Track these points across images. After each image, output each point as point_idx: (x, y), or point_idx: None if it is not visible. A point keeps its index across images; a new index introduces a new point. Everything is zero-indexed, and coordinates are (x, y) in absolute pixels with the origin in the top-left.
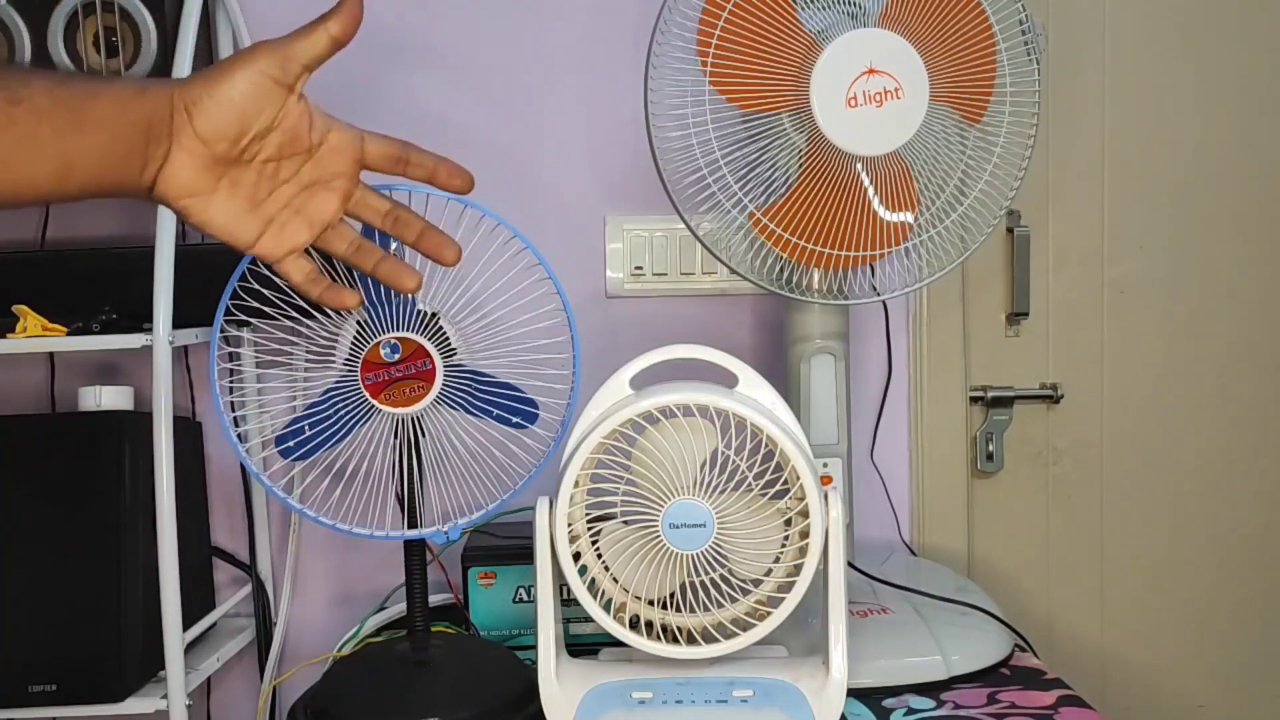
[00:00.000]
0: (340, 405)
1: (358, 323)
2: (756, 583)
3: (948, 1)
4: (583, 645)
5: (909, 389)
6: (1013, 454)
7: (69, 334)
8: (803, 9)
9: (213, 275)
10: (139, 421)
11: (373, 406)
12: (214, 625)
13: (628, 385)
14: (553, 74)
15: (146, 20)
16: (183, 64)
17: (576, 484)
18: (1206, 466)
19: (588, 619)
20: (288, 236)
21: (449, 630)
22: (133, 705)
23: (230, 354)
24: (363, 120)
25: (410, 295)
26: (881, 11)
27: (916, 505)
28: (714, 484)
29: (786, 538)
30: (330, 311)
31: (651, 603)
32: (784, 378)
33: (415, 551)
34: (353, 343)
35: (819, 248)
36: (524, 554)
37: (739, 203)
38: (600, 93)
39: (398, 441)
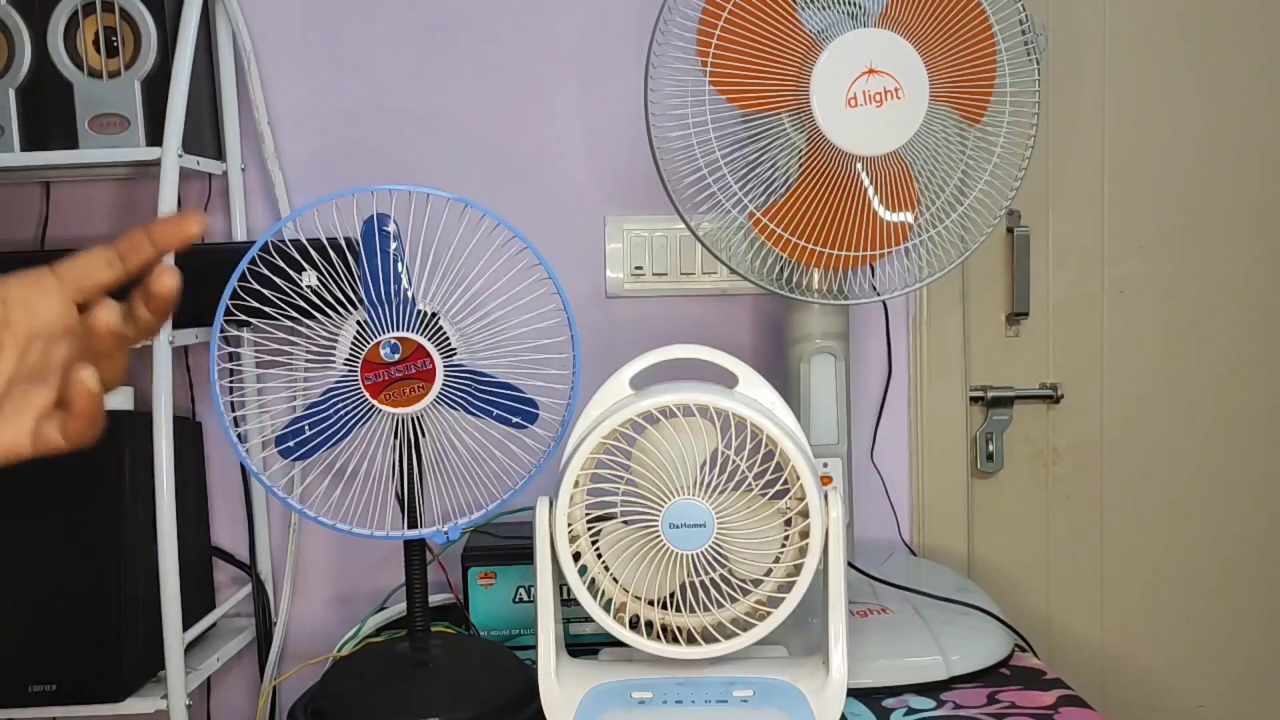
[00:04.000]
0: (340, 405)
1: (358, 323)
2: (756, 583)
3: (948, 1)
4: (583, 645)
5: (909, 389)
6: (1013, 454)
7: None
8: (803, 9)
9: (213, 275)
10: (139, 421)
11: (373, 406)
12: (214, 625)
13: (628, 385)
14: (553, 74)
15: (146, 20)
16: (183, 64)
17: (576, 484)
18: (1206, 466)
19: (588, 619)
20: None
21: (449, 630)
22: (133, 705)
23: (230, 354)
24: (363, 121)
25: (410, 295)
26: (881, 11)
27: (916, 505)
28: (714, 484)
29: (786, 538)
30: (330, 311)
31: (651, 603)
32: (784, 378)
33: (415, 551)
34: (353, 343)
35: (819, 248)
36: (524, 554)
37: (739, 203)
38: (600, 93)
39: (398, 441)
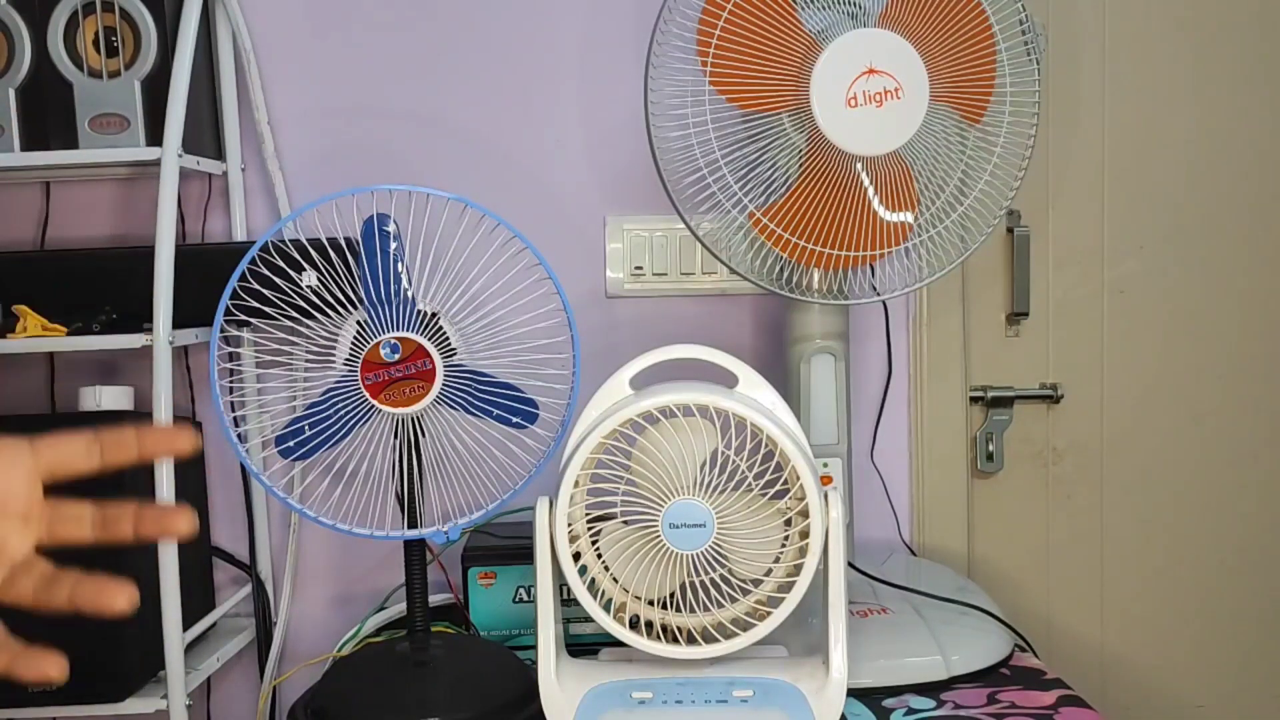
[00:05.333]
0: (340, 405)
1: (358, 323)
2: (756, 583)
3: (948, 1)
4: (583, 645)
5: (909, 389)
6: (1013, 454)
7: (69, 334)
8: (803, 9)
9: (213, 275)
10: (139, 421)
11: (373, 406)
12: (214, 625)
13: (628, 385)
14: (553, 74)
15: (146, 20)
16: (183, 64)
17: (576, 484)
18: (1206, 466)
19: (588, 619)
20: None
21: (449, 630)
22: (133, 705)
23: (230, 354)
24: (363, 121)
25: (410, 295)
26: (881, 11)
27: (916, 505)
28: (714, 484)
29: (786, 538)
30: (330, 311)
31: (651, 603)
32: (784, 378)
33: (415, 551)
34: (353, 343)
35: (819, 248)
36: (524, 554)
37: (739, 203)
38: (600, 93)
39: (398, 441)
